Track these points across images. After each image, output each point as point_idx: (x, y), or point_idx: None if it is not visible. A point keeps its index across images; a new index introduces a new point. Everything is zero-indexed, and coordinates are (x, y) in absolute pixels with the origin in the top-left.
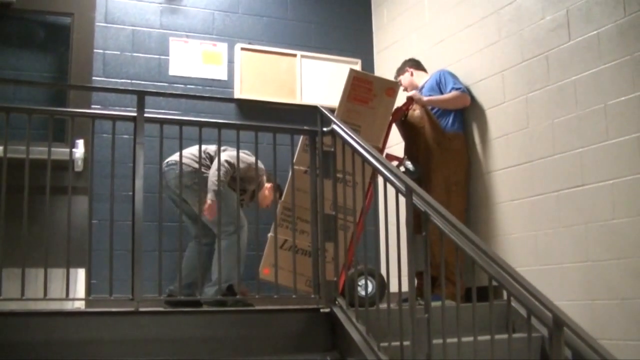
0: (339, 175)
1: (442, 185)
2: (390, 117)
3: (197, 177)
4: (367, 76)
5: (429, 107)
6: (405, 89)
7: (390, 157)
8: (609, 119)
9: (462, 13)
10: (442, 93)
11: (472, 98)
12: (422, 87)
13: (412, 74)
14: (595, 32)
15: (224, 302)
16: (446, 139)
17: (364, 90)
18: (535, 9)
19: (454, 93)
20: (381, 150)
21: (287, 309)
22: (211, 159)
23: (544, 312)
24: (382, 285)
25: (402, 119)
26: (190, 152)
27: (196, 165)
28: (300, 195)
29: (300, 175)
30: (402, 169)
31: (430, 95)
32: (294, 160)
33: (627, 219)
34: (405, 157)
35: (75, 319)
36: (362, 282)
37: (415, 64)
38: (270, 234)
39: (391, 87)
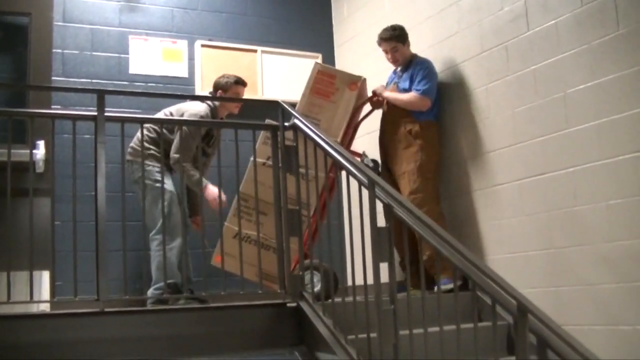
0: (302, 169)
1: (417, 174)
2: (351, 111)
3: (141, 170)
4: (330, 70)
5: None
6: (397, 60)
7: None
8: (568, 108)
9: (422, 5)
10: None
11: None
12: (402, 76)
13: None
14: (553, 22)
15: (166, 301)
16: (419, 127)
17: (327, 84)
18: (494, 0)
19: (411, 95)
20: (347, 146)
21: (254, 304)
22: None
23: (509, 299)
24: (333, 279)
25: (378, 109)
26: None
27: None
28: (258, 187)
29: (259, 167)
30: None
31: (404, 88)
32: (255, 153)
33: (588, 205)
34: (364, 152)
35: (41, 321)
36: (310, 276)
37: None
38: (226, 223)
39: (354, 82)
